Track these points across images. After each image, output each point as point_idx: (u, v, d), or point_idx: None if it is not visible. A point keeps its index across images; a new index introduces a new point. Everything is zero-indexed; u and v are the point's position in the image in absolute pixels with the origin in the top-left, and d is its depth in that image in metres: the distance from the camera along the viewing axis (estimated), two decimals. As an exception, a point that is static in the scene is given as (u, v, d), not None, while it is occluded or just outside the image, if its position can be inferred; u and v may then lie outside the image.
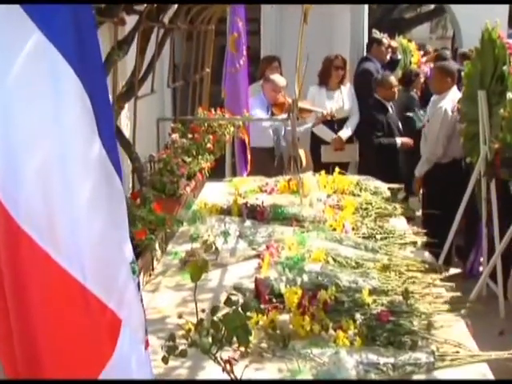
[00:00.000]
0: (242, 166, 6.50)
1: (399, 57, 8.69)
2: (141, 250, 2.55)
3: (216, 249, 3.60)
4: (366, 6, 8.35)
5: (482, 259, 5.90)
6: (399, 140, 7.20)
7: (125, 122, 3.89)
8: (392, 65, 8.35)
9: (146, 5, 3.26)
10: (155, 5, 3.51)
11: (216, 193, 4.98)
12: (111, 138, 1.62)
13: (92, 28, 1.59)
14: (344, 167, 5.57)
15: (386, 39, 8.15)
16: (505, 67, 5.02)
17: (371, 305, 2.94)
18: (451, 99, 6.46)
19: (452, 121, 6.34)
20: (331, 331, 2.74)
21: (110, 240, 1.56)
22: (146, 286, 3.37)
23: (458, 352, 2.66)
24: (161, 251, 3.78)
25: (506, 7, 13.09)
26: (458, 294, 3.25)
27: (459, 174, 6.27)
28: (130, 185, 3.39)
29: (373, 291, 3.08)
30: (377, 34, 8.83)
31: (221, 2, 4.63)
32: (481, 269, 5.85)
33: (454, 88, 6.57)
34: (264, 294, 3.07)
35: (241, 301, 2.32)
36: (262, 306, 2.99)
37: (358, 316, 2.80)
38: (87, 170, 1.50)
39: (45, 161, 1.46)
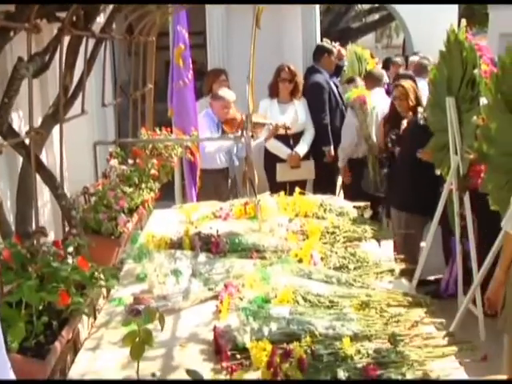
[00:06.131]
0: (192, 190, 5.96)
1: (345, 63, 8.38)
2: (66, 316, 2.01)
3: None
4: (318, 12, 7.92)
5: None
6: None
7: (57, 149, 3.32)
8: (337, 72, 7.99)
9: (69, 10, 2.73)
10: (83, 11, 2.98)
11: (165, 222, 4.49)
12: None
13: None
14: (301, 186, 5.06)
15: (334, 48, 7.76)
16: (475, 71, 4.58)
17: (354, 357, 2.46)
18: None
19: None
20: (310, 395, 2.26)
21: None
22: (86, 342, 2.84)
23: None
24: (104, 295, 3.27)
25: (455, 11, 12.95)
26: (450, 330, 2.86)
27: None
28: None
29: (354, 337, 2.62)
30: (327, 43, 8.46)
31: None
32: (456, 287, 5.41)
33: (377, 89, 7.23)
34: (225, 350, 2.57)
35: None
36: (224, 364, 2.51)
37: (340, 374, 2.32)
38: None
39: None
